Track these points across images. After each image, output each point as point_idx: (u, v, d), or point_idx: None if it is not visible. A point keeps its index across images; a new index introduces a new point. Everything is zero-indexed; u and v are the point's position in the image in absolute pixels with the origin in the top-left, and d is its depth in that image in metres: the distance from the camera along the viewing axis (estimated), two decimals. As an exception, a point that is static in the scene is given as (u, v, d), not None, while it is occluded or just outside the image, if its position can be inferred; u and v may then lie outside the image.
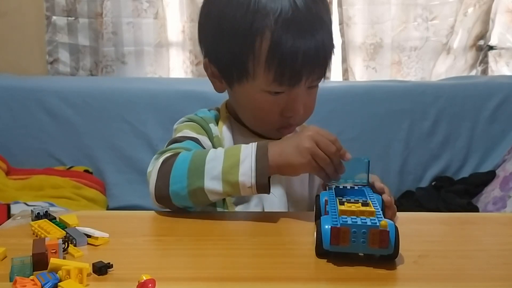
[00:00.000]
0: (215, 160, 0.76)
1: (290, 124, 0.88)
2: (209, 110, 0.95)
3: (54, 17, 2.12)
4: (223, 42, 0.85)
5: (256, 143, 0.77)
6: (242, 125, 0.92)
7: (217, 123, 0.92)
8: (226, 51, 0.85)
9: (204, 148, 0.86)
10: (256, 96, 0.85)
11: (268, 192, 0.76)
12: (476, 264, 0.65)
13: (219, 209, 0.86)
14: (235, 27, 0.82)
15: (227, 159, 0.76)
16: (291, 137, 0.81)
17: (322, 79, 0.87)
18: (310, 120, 0.91)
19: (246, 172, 0.74)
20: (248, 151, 0.76)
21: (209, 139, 0.89)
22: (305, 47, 0.81)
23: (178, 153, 0.79)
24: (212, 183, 0.76)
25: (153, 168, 0.80)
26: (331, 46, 0.86)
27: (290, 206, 0.89)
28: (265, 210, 0.87)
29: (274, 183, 0.81)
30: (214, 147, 0.87)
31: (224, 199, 0.85)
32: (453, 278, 0.60)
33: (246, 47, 0.82)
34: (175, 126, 0.92)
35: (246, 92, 0.86)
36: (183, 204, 0.79)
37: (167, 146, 0.85)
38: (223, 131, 0.90)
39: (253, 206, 0.87)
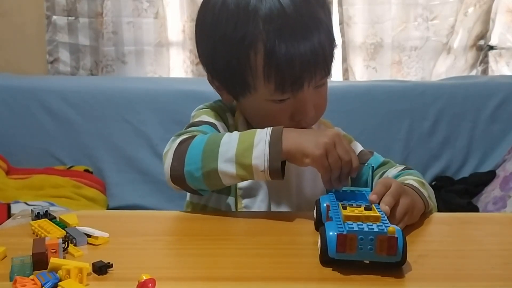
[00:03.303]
0: (229, 143, 0.76)
1: (302, 127, 0.86)
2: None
3: (54, 17, 2.12)
4: (219, 58, 0.85)
5: (271, 128, 0.76)
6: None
7: (233, 115, 0.92)
8: (224, 67, 0.84)
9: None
10: (262, 106, 0.84)
11: (281, 178, 0.75)
12: (476, 264, 0.65)
13: (230, 198, 0.86)
14: (227, 43, 0.82)
15: (241, 142, 0.75)
16: (310, 130, 0.82)
17: (328, 76, 0.86)
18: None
19: (260, 155, 0.73)
20: (262, 135, 0.75)
21: (226, 126, 0.89)
22: (300, 52, 0.79)
23: (194, 136, 0.79)
24: (226, 166, 0.75)
25: (170, 149, 0.80)
26: (330, 44, 0.84)
27: (299, 206, 0.88)
28: (271, 206, 0.87)
29: (284, 181, 0.80)
30: None
31: (234, 190, 0.85)
32: (453, 278, 0.60)
33: (241, 61, 0.81)
34: (193, 113, 0.92)
35: (252, 104, 0.86)
36: (197, 186, 0.79)
37: (184, 130, 0.85)
38: (239, 124, 0.90)
39: (259, 201, 0.86)
